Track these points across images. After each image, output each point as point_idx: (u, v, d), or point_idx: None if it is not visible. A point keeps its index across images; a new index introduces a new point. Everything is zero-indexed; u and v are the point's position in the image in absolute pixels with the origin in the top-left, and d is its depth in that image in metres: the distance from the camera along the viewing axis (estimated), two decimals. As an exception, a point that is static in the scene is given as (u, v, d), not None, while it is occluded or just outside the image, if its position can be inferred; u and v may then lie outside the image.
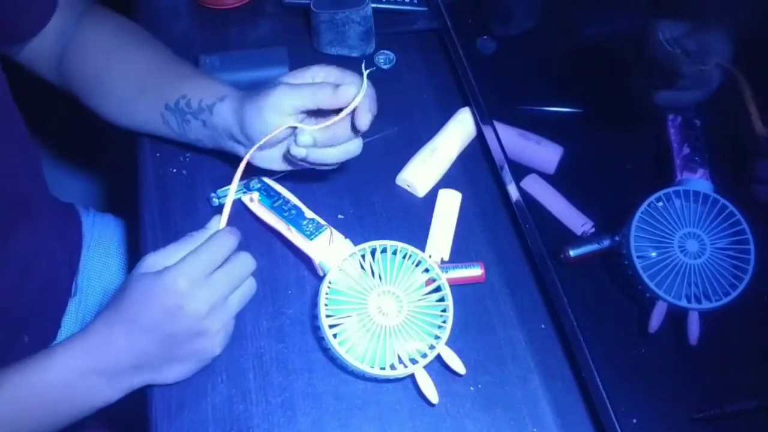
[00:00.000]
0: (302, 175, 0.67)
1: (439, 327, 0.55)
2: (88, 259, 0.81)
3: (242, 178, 0.64)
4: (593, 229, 0.58)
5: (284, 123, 0.55)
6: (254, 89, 0.57)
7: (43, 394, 0.50)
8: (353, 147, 0.58)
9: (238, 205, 0.64)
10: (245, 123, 0.56)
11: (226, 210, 0.54)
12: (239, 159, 0.57)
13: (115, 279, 0.81)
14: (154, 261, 0.51)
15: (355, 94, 0.53)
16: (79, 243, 0.81)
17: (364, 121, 0.55)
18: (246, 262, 0.53)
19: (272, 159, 0.60)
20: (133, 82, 0.63)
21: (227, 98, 0.58)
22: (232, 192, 0.55)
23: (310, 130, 0.54)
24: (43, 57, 0.67)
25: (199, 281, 0.50)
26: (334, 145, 0.56)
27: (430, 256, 0.61)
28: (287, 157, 0.58)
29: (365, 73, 0.55)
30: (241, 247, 0.62)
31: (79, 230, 0.82)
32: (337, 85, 0.54)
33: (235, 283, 0.52)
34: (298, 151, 0.54)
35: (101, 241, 0.83)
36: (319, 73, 0.57)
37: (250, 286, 0.54)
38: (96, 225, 0.84)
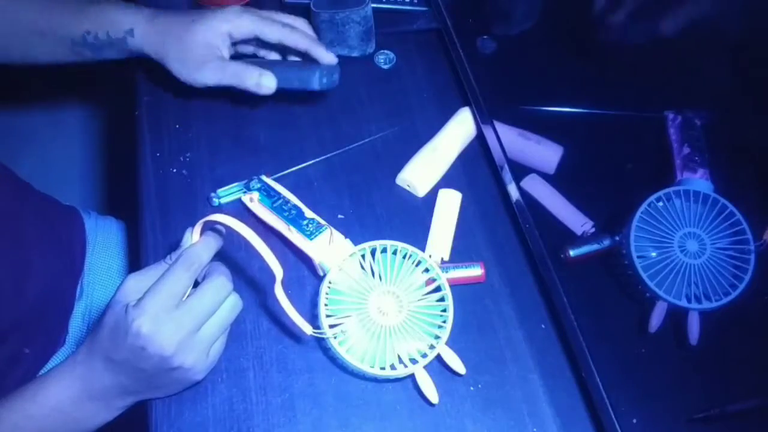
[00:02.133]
0: (302, 175, 0.67)
1: (439, 327, 0.55)
2: (92, 261, 0.81)
3: (242, 178, 0.64)
4: (593, 229, 0.58)
5: (209, 86, 0.60)
6: (168, 32, 0.60)
7: (42, 424, 0.50)
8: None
9: (238, 205, 0.64)
10: (169, 69, 0.59)
11: (197, 228, 0.51)
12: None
13: (119, 280, 0.81)
14: (134, 285, 0.49)
15: (273, 87, 0.60)
16: (83, 246, 0.81)
17: (326, 55, 0.62)
18: (217, 285, 0.49)
19: (205, 78, 0.62)
20: (29, 26, 0.63)
21: (136, 31, 0.59)
22: (198, 228, 0.52)
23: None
24: None
25: (161, 319, 0.46)
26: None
27: (430, 256, 0.61)
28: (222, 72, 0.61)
29: None
30: (242, 246, 0.63)
31: (82, 233, 0.82)
32: (262, 73, 0.60)
33: (206, 311, 0.48)
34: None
35: (105, 244, 0.83)
36: (239, 29, 0.62)
37: (229, 309, 0.50)
38: (99, 228, 0.84)
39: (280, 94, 0.64)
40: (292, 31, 0.63)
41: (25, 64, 0.66)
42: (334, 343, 0.52)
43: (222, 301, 0.49)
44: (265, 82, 0.60)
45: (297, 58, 0.70)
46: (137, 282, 0.49)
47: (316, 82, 0.64)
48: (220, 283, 0.49)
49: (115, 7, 0.62)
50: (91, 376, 0.50)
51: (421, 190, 0.67)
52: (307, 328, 0.50)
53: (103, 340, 0.49)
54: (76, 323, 0.77)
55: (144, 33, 0.60)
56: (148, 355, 0.47)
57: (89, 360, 0.50)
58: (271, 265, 0.48)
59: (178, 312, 0.47)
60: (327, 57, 0.64)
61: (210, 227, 0.52)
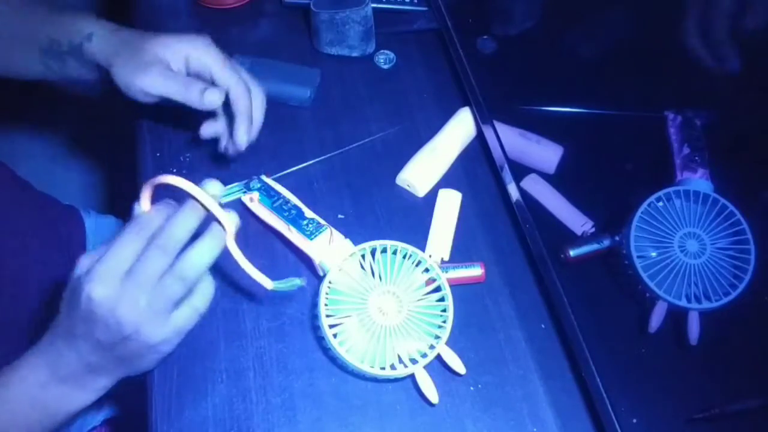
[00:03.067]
0: (302, 175, 0.67)
1: (439, 327, 0.55)
2: None
3: (242, 178, 0.64)
4: (593, 229, 0.58)
5: (150, 101, 0.56)
6: (124, 42, 0.57)
7: (13, 410, 0.49)
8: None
9: (239, 205, 0.64)
10: (114, 80, 0.56)
11: (145, 195, 0.49)
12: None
13: None
14: (88, 261, 0.47)
15: (218, 101, 0.54)
16: (82, 244, 0.81)
17: (241, 137, 0.57)
18: (166, 241, 0.46)
19: (145, 83, 0.57)
20: (4, 30, 0.61)
21: (94, 37, 0.57)
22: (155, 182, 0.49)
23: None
24: None
25: (110, 282, 0.45)
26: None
27: (430, 256, 0.61)
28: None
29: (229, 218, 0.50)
30: (242, 246, 0.62)
31: (82, 232, 0.82)
32: (208, 87, 0.55)
33: (157, 269, 0.45)
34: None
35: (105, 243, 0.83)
36: (194, 57, 0.57)
37: (190, 265, 0.46)
38: (99, 226, 0.84)
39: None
40: (243, 91, 0.58)
41: (6, 76, 0.64)
42: (334, 343, 0.52)
43: (172, 255, 0.46)
44: (209, 96, 0.55)
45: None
46: (91, 258, 0.47)
47: (307, 100, 0.73)
48: (170, 237, 0.46)
49: (82, 15, 0.59)
50: (55, 358, 0.48)
51: (421, 190, 0.67)
52: (267, 283, 0.49)
53: (61, 318, 0.48)
54: None
55: (101, 39, 0.57)
56: (100, 321, 0.45)
57: (52, 340, 0.49)
58: (220, 218, 0.47)
59: (128, 274, 0.45)
60: (241, 139, 0.59)
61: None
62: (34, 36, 0.59)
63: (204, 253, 0.47)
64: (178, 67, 0.57)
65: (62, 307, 0.48)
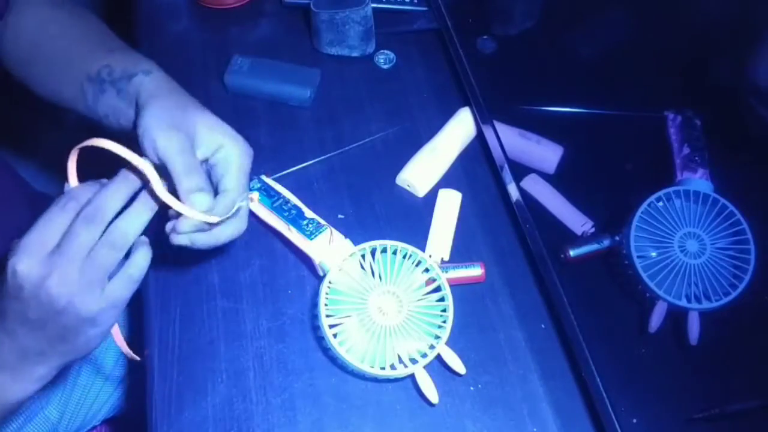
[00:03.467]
0: (302, 175, 0.67)
1: (439, 327, 0.55)
2: None
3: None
4: (593, 229, 0.58)
5: (154, 159, 0.50)
6: (174, 93, 0.54)
7: None
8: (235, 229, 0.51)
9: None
10: (142, 117, 0.51)
11: (71, 165, 0.48)
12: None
13: None
14: (16, 245, 0.45)
15: (203, 206, 0.48)
16: None
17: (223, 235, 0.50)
18: (91, 211, 0.44)
19: (152, 147, 0.52)
20: (61, 54, 0.61)
21: (152, 73, 0.55)
22: (95, 143, 0.48)
23: (183, 237, 0.49)
24: None
25: (36, 255, 0.44)
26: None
27: (430, 256, 0.61)
28: None
29: (243, 203, 0.50)
30: (242, 246, 0.63)
31: None
32: (206, 188, 0.49)
33: (87, 238, 0.44)
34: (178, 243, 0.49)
35: None
36: (226, 150, 0.51)
37: (121, 232, 0.45)
38: None
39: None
40: (245, 209, 0.53)
41: (39, 94, 0.64)
42: (334, 343, 0.52)
43: (101, 225, 0.45)
44: (199, 197, 0.48)
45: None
46: (19, 242, 0.46)
47: (307, 100, 0.72)
48: (97, 208, 0.45)
49: (145, 57, 0.58)
50: None
51: (421, 190, 0.67)
52: (195, 214, 0.46)
53: None
54: None
55: (157, 79, 0.54)
56: (30, 296, 0.44)
57: None
58: (141, 167, 0.46)
59: (57, 248, 0.44)
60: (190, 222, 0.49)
61: None
62: (88, 62, 0.58)
63: (133, 219, 0.46)
64: (204, 151, 0.52)
65: None
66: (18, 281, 0.44)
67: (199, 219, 0.47)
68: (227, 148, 0.52)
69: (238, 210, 0.50)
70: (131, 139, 0.52)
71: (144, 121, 0.51)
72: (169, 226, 0.49)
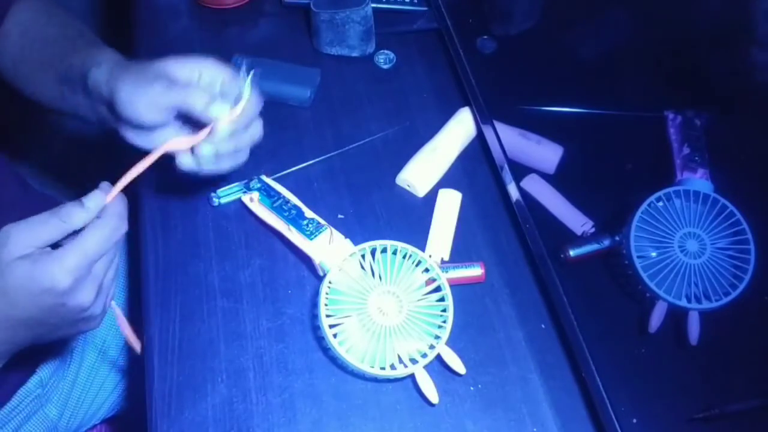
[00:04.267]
0: (302, 175, 0.67)
1: (439, 327, 0.55)
2: None
3: (242, 178, 0.64)
4: (593, 229, 0.58)
5: (155, 118, 0.52)
6: (133, 65, 0.54)
7: None
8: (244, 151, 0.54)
9: (238, 204, 0.64)
10: (115, 101, 0.52)
11: (118, 186, 0.49)
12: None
13: (118, 277, 0.81)
14: (17, 238, 0.44)
15: (224, 113, 0.50)
16: None
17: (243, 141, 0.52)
18: (117, 230, 0.47)
19: (151, 141, 0.55)
20: (38, 56, 0.62)
21: (103, 64, 0.55)
22: (131, 175, 0.50)
23: (188, 163, 0.51)
24: None
25: (84, 275, 0.45)
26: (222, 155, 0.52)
27: (430, 256, 0.61)
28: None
29: (248, 80, 0.51)
30: (242, 246, 0.63)
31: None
32: (217, 96, 0.51)
33: (113, 261, 0.48)
34: (189, 167, 0.51)
35: None
36: (206, 72, 0.53)
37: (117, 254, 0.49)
38: None
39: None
40: (255, 98, 0.54)
41: (27, 96, 0.65)
42: (334, 343, 0.52)
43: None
44: (216, 108, 0.50)
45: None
46: (19, 234, 0.45)
47: (307, 100, 0.72)
48: (119, 225, 0.47)
49: (98, 46, 0.59)
50: None
51: (421, 190, 0.67)
52: (224, 120, 0.49)
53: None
54: None
55: (111, 66, 0.54)
56: (66, 309, 0.45)
57: None
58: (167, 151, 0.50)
59: (97, 265, 0.46)
60: (222, 123, 0.52)
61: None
62: (59, 62, 0.59)
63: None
64: (189, 81, 0.54)
65: None
66: (61, 299, 0.45)
67: (232, 118, 0.50)
68: (207, 71, 0.53)
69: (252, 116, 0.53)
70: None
71: (120, 100, 0.52)
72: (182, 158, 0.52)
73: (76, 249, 0.45)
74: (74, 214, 0.46)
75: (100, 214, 0.47)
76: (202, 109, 0.50)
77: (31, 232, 0.45)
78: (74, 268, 0.44)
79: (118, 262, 0.49)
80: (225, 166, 0.53)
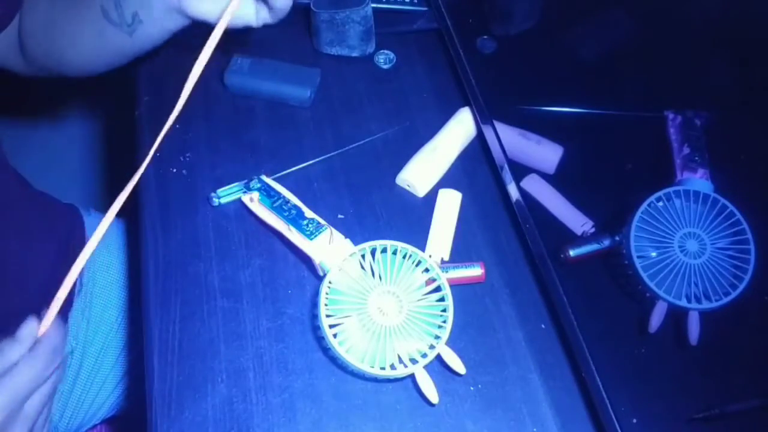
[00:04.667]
0: (302, 175, 0.67)
1: (439, 327, 0.55)
2: (92, 257, 0.81)
3: (242, 178, 0.64)
4: (593, 229, 0.58)
5: None
6: None
7: None
8: None
9: (238, 204, 0.64)
10: None
11: (51, 312, 0.47)
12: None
13: (118, 277, 0.81)
14: None
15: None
16: (82, 243, 0.81)
17: None
18: (51, 363, 0.45)
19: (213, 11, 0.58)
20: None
21: None
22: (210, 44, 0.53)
23: None
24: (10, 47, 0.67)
25: (15, 414, 0.43)
26: None
27: (430, 256, 0.61)
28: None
29: None
30: (242, 246, 0.63)
31: (81, 230, 0.82)
32: None
33: (47, 396, 0.46)
34: None
35: (104, 241, 0.83)
36: None
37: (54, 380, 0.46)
38: (98, 225, 0.84)
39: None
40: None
41: (73, 60, 0.65)
42: (334, 343, 0.52)
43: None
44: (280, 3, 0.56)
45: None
46: None
47: (307, 100, 0.72)
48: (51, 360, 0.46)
49: None
50: None
51: (421, 190, 0.67)
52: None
53: None
54: (75, 317, 0.77)
55: None
56: None
57: None
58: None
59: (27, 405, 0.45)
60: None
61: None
62: None
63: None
64: None
65: None
66: None
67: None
68: None
69: None
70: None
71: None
72: None
73: (6, 386, 0.43)
74: (7, 349, 0.44)
75: (34, 347, 0.45)
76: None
77: None
78: (4, 407, 0.42)
79: (52, 393, 0.46)
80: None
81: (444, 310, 0.55)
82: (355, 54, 0.77)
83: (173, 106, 0.58)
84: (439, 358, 0.55)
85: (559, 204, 0.60)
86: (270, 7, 0.58)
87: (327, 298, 0.54)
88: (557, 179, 0.61)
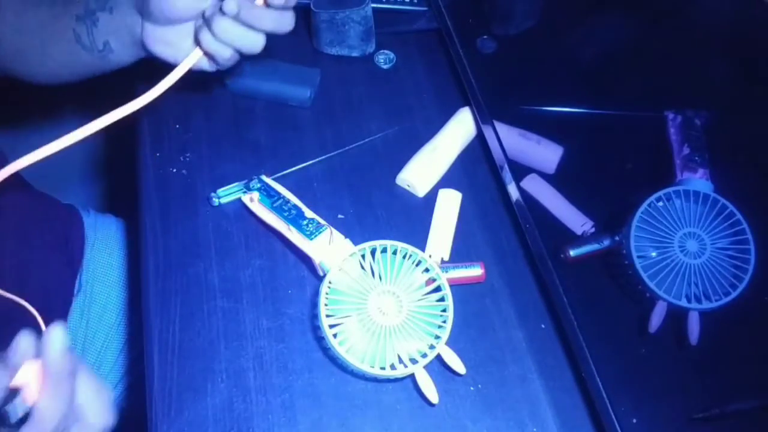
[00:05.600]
0: (302, 175, 0.67)
1: (439, 327, 0.55)
2: (91, 257, 0.81)
3: (242, 178, 0.64)
4: (593, 229, 0.58)
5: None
6: None
7: None
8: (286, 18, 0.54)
9: (238, 205, 0.64)
10: (148, 4, 0.53)
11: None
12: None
13: (118, 277, 0.81)
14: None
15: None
16: (81, 243, 0.81)
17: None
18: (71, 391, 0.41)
19: (181, 46, 0.57)
20: (41, 18, 0.62)
21: None
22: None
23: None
24: None
25: None
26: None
27: (430, 256, 0.61)
28: (202, 40, 0.55)
29: None
30: (242, 246, 0.63)
31: (81, 230, 0.82)
32: None
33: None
34: (230, 8, 0.51)
35: (104, 241, 0.83)
36: None
37: None
38: (98, 225, 0.84)
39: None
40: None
41: (40, 70, 0.65)
42: (334, 343, 0.52)
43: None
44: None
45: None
46: None
47: (307, 100, 0.72)
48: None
49: None
50: None
51: (421, 190, 0.67)
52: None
53: None
54: (75, 318, 0.77)
55: None
56: None
57: None
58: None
59: None
60: None
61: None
62: (69, 7, 0.59)
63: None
64: None
65: None
66: None
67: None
68: None
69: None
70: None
71: (152, 5, 0.53)
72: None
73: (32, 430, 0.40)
74: None
75: (49, 380, 0.41)
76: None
77: None
78: None
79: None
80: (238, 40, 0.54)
81: (444, 310, 0.55)
82: (355, 54, 0.77)
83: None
84: (439, 358, 0.55)
85: (559, 204, 0.60)
86: (216, 62, 0.58)
87: (327, 298, 0.54)
88: (557, 179, 0.61)
